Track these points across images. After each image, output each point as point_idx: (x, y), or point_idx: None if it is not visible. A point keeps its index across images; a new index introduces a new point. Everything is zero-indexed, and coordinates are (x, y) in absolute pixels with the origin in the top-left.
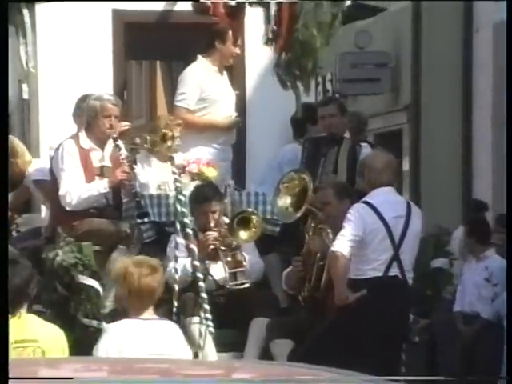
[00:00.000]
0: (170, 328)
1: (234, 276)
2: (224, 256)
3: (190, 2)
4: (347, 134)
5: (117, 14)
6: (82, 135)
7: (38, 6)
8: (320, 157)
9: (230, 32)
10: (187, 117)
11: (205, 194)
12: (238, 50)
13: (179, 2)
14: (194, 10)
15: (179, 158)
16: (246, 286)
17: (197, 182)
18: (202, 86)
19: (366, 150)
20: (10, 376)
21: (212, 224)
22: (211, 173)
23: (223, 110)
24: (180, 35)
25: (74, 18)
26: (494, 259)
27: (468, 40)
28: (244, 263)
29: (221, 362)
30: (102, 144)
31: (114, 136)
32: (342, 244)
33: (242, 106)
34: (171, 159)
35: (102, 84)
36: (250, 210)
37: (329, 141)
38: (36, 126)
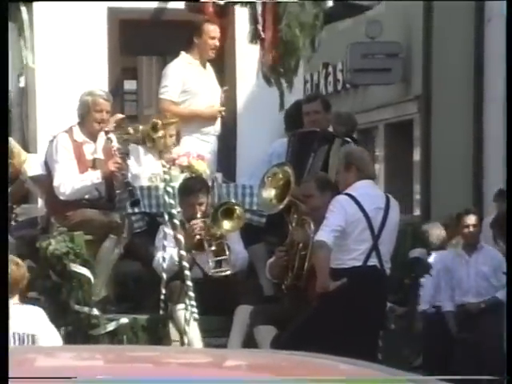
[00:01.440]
0: (33, 311)
1: (218, 264)
2: (209, 245)
3: (183, 1)
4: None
5: (112, 12)
6: (76, 129)
7: (36, 4)
8: (310, 152)
9: (206, 26)
10: (171, 108)
11: (192, 187)
12: (216, 42)
13: (170, 1)
14: (186, 8)
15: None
16: (228, 273)
17: (186, 175)
18: (184, 79)
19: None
20: (9, 376)
21: (199, 215)
22: (200, 166)
23: (206, 102)
24: (173, 32)
25: (71, 16)
26: (487, 249)
27: (480, 30)
28: (227, 252)
29: (234, 352)
30: (94, 137)
31: (106, 129)
32: (325, 234)
33: (232, 101)
34: (161, 152)
35: (97, 79)
36: (233, 201)
37: (320, 137)
38: (34, 120)
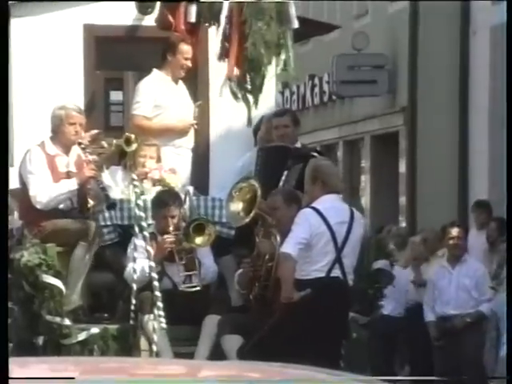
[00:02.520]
0: None
1: (188, 278)
2: (179, 259)
3: (154, 18)
4: (298, 144)
5: (87, 28)
6: (48, 142)
7: (13, 20)
8: (282, 169)
9: (181, 45)
10: (143, 123)
11: (164, 200)
12: (189, 63)
13: (145, 18)
14: (158, 26)
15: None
16: (197, 288)
17: (158, 188)
18: (156, 95)
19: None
20: (10, 376)
21: (171, 228)
22: (172, 179)
23: (178, 116)
24: (146, 48)
25: (48, 32)
26: (471, 262)
27: (465, 42)
28: (197, 266)
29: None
30: (67, 150)
31: (80, 141)
32: (290, 246)
33: (205, 115)
34: (132, 166)
35: (73, 94)
36: (204, 217)
37: (294, 155)
38: (11, 135)
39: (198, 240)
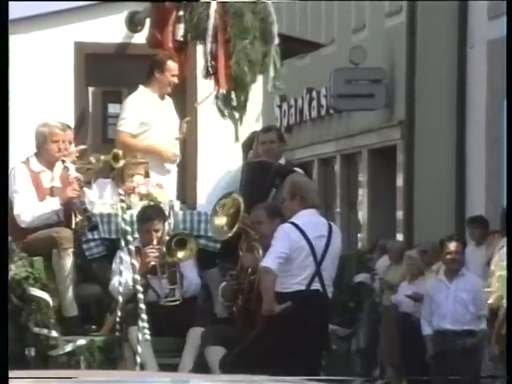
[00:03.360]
0: None
1: (172, 292)
2: (162, 273)
3: (144, 36)
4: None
5: (78, 46)
6: (32, 159)
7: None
8: (270, 185)
9: (168, 63)
10: (127, 140)
11: (149, 214)
12: (175, 79)
13: (134, 36)
14: (147, 44)
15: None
16: (177, 303)
17: (145, 203)
18: (142, 112)
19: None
20: (9, 376)
21: (155, 242)
22: (159, 194)
23: (164, 133)
24: (135, 65)
25: (40, 50)
26: (469, 276)
27: (462, 57)
28: (178, 280)
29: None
30: (51, 166)
31: (63, 159)
32: (270, 260)
33: (193, 131)
34: (118, 182)
35: (63, 109)
36: (186, 232)
37: (282, 172)
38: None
39: (180, 254)
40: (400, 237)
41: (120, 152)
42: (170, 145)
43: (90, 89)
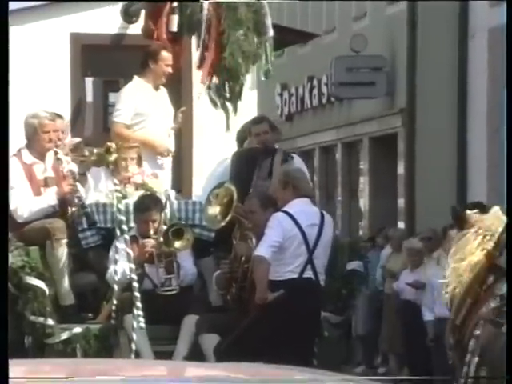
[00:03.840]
0: None
1: (168, 281)
2: (159, 262)
3: (140, 27)
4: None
5: (74, 37)
6: (24, 151)
7: None
8: (255, 166)
9: (162, 53)
10: (123, 131)
11: (147, 204)
12: (169, 70)
13: (130, 27)
14: (143, 35)
15: (125, 169)
16: (174, 292)
17: (141, 192)
18: (137, 102)
19: (296, 159)
20: (10, 376)
21: (152, 232)
22: (154, 184)
23: (159, 123)
24: (131, 56)
25: (36, 41)
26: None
27: (463, 45)
28: (175, 270)
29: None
30: (43, 157)
31: (56, 150)
32: (263, 249)
33: (189, 121)
34: (113, 171)
35: (60, 99)
36: (182, 222)
37: (263, 151)
38: None
39: (177, 244)
40: (401, 225)
41: (113, 145)
42: (165, 135)
43: (91, 78)
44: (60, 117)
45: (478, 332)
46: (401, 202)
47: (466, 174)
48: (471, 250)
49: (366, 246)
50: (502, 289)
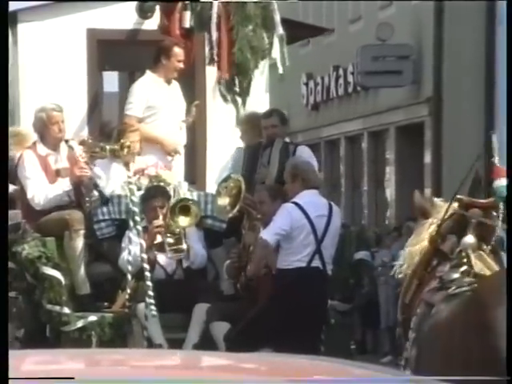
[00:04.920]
0: None
1: (180, 266)
2: (168, 246)
3: (154, 23)
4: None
5: (90, 33)
6: (39, 144)
7: (21, 25)
8: (259, 156)
9: (174, 49)
10: (134, 123)
11: (153, 192)
12: (181, 65)
13: (145, 22)
14: (159, 30)
15: (140, 161)
16: (181, 254)
17: (154, 183)
18: (148, 96)
19: (305, 150)
20: (9, 376)
21: (160, 217)
22: (167, 175)
23: (170, 117)
24: (146, 50)
25: (54, 36)
26: None
27: (491, 32)
28: (184, 245)
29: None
30: (56, 148)
31: (66, 139)
32: (269, 235)
33: (203, 114)
34: (126, 164)
35: (77, 92)
36: (190, 198)
37: (266, 144)
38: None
39: (184, 220)
40: None
41: (127, 142)
42: (176, 129)
43: (107, 72)
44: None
45: (418, 311)
46: (427, 190)
47: (493, 162)
48: (424, 236)
49: (393, 235)
50: (443, 271)
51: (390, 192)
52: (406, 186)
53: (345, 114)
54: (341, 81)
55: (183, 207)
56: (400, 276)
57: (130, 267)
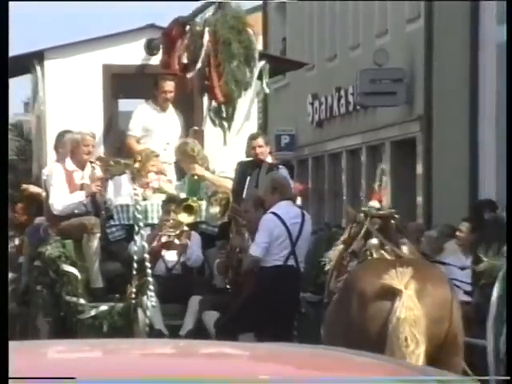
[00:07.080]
0: None
1: (179, 261)
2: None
3: (159, 59)
4: (269, 159)
5: (106, 68)
6: (68, 160)
7: (47, 62)
8: (247, 176)
9: (162, 83)
10: (133, 144)
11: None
12: (169, 96)
13: (152, 58)
14: (160, 65)
15: (146, 176)
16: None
17: (158, 195)
18: (144, 120)
19: (282, 170)
20: (9, 376)
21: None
22: (169, 188)
23: (160, 138)
24: (152, 81)
25: (75, 71)
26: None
27: (474, 57)
28: (184, 240)
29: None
30: (82, 166)
31: (92, 160)
32: (258, 250)
33: (200, 136)
34: (133, 178)
35: (95, 118)
36: (194, 197)
37: (254, 165)
38: (44, 155)
39: (184, 217)
40: (420, 219)
41: (139, 156)
42: (160, 150)
43: (120, 100)
44: (93, 135)
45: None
46: (419, 199)
47: (478, 173)
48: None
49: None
50: (353, 266)
51: (386, 200)
52: (400, 194)
53: (346, 130)
54: (342, 101)
55: (187, 206)
56: (327, 269)
57: (135, 264)
